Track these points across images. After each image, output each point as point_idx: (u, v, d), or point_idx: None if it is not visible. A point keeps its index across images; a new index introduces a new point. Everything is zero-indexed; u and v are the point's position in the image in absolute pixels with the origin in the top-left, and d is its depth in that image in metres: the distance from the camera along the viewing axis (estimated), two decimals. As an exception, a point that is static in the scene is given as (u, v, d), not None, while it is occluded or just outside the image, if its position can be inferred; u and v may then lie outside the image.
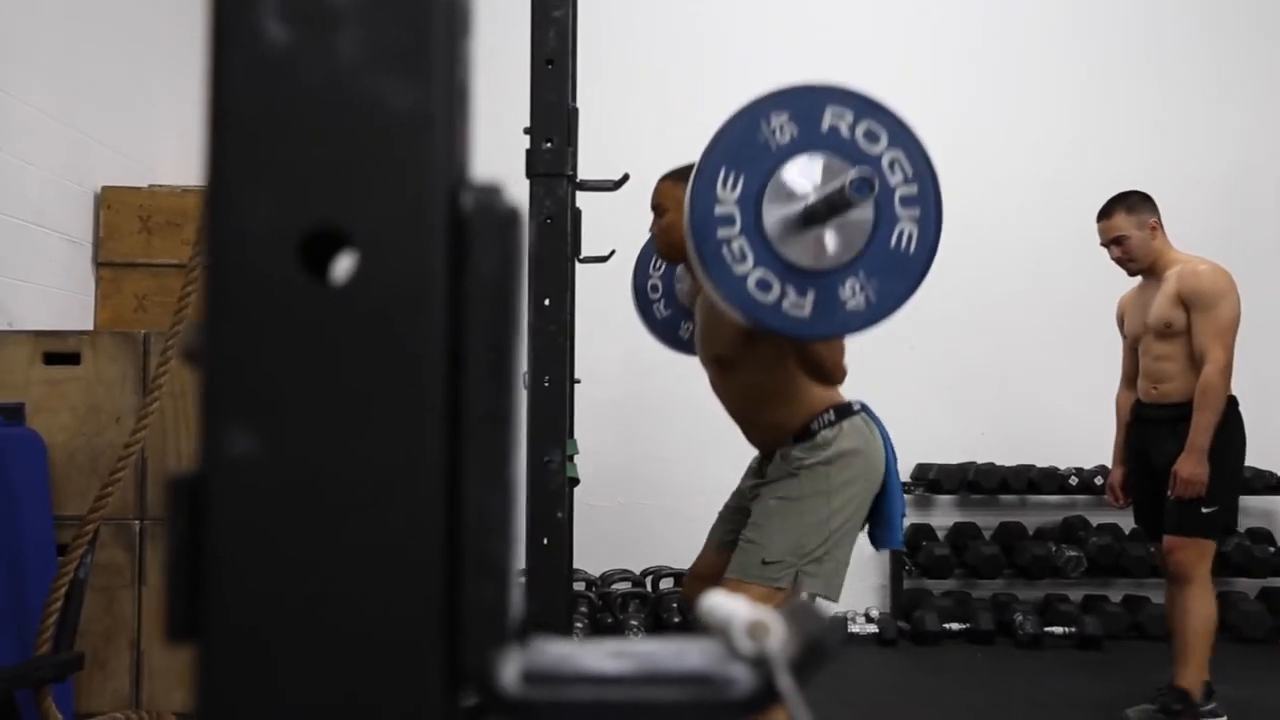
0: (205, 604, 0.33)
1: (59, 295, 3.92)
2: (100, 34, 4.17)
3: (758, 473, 2.66)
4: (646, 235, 4.84)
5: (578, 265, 3.01)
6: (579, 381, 3.10)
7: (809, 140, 1.83)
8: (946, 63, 5.76)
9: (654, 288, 3.43)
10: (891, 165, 1.84)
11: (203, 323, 0.33)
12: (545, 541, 2.08)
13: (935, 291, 5.76)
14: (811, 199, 1.79)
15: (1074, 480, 5.29)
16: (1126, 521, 5.37)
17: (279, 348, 0.33)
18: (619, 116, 5.16)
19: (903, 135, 1.85)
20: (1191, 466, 3.38)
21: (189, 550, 0.34)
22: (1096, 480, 5.27)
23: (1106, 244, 3.63)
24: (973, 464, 5.37)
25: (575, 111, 2.20)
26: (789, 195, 1.81)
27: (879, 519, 2.56)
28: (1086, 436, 5.34)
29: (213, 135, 0.33)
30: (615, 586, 5.05)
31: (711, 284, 1.82)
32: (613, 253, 3.58)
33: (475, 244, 0.34)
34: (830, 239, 1.82)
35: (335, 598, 0.33)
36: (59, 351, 3.43)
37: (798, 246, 1.81)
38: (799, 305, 1.82)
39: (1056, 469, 5.34)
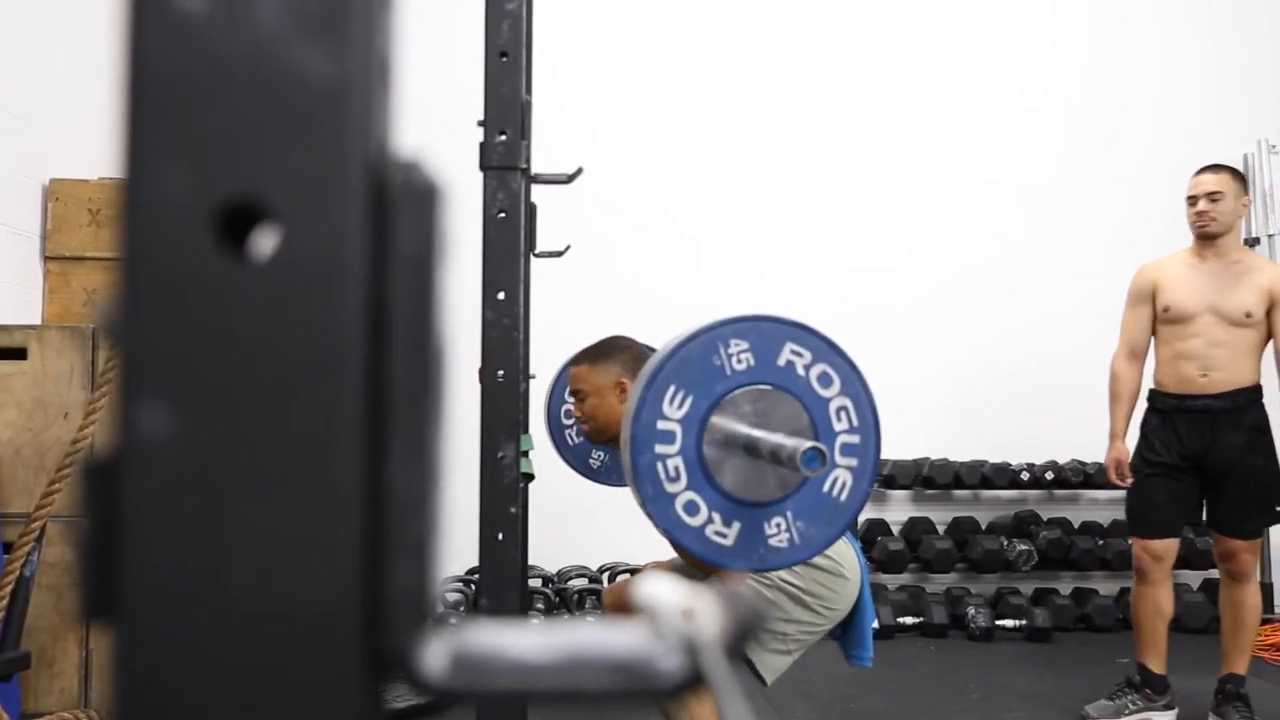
0: (120, 585, 0.33)
1: (5, 289, 3.85)
2: (49, 24, 4.10)
3: None
4: (603, 230, 4.83)
5: (533, 260, 3.00)
6: (534, 377, 3.09)
7: (764, 374, 1.84)
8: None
9: (568, 413, 3.47)
10: (839, 412, 1.86)
11: (117, 298, 0.32)
12: (499, 537, 2.06)
13: (890, 290, 5.83)
14: (757, 436, 1.79)
15: (1025, 475, 5.36)
16: (1076, 515, 5.46)
17: (194, 323, 0.32)
18: (574, 110, 5.15)
19: (855, 384, 1.87)
20: None
21: (103, 532, 0.33)
22: (1047, 475, 5.36)
23: (1199, 196, 3.57)
24: (927, 459, 5.42)
25: (529, 104, 2.19)
26: (735, 423, 1.82)
27: (851, 634, 2.55)
28: (1038, 433, 5.42)
29: (126, 106, 0.33)
30: (572, 583, 5.04)
31: (640, 498, 1.83)
32: (568, 248, 3.58)
33: (396, 219, 0.33)
34: (767, 474, 1.83)
35: (252, 578, 0.32)
36: (5, 346, 3.38)
37: (733, 475, 1.82)
38: (722, 534, 1.82)
39: (1009, 464, 5.41)
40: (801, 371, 1.84)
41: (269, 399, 0.32)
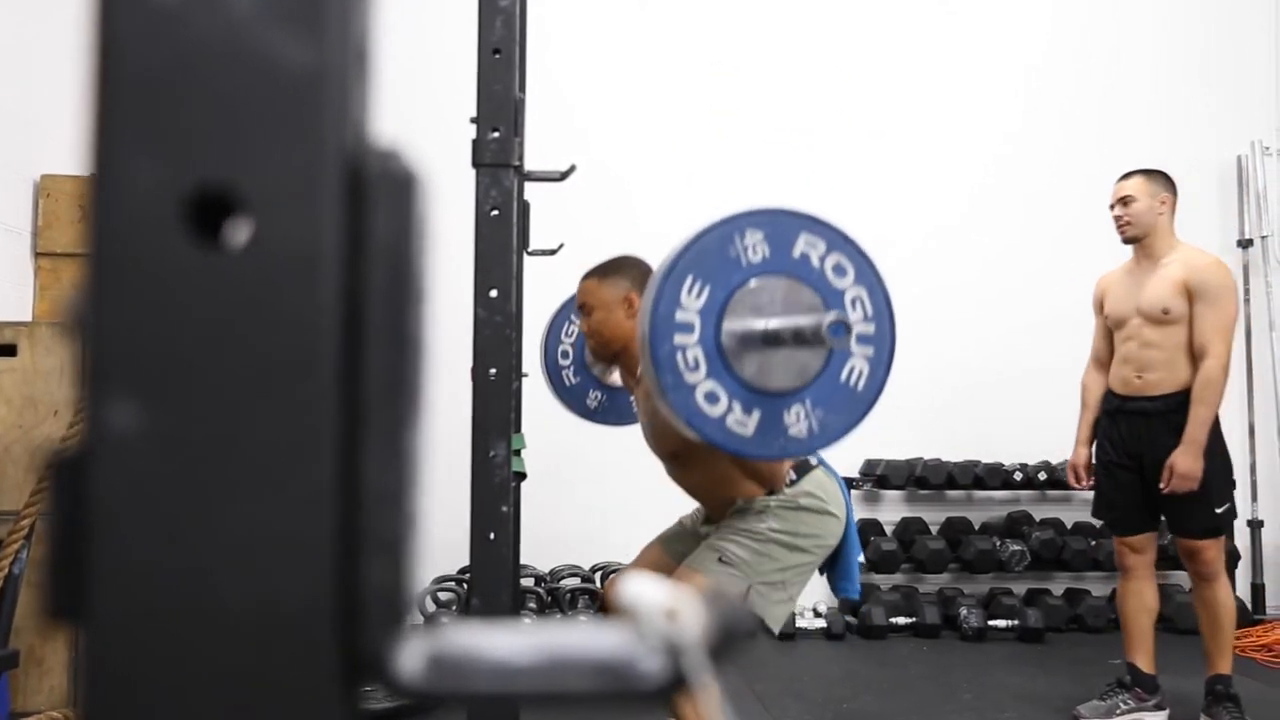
0: (87, 586, 0.32)
1: (-5, 285, 3.83)
2: (42, 21, 4.08)
3: (709, 519, 2.63)
4: (596, 229, 4.83)
5: (526, 259, 2.99)
6: (526, 376, 3.08)
7: (779, 264, 1.84)
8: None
9: (564, 354, 3.44)
10: (854, 302, 1.87)
11: (85, 290, 0.32)
12: (491, 536, 2.05)
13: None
14: (775, 323, 1.80)
15: (1018, 476, 5.37)
16: (1069, 516, 5.46)
17: (164, 316, 0.31)
18: (568, 107, 5.14)
19: (869, 274, 1.88)
20: (1190, 461, 3.35)
21: (71, 530, 0.32)
22: (1040, 476, 5.36)
23: (1114, 204, 3.65)
24: (920, 460, 5.42)
25: (522, 101, 2.18)
26: (752, 313, 1.82)
27: (838, 568, 2.55)
28: (1030, 433, 5.42)
29: (96, 93, 0.32)
30: (564, 582, 5.03)
31: (659, 389, 1.83)
32: (561, 246, 3.57)
33: (373, 209, 0.32)
34: (785, 362, 1.83)
35: (223, 577, 0.32)
36: (-7, 343, 3.36)
37: (752, 365, 1.83)
38: (743, 423, 1.83)
39: (1001, 465, 5.41)
40: (816, 262, 1.86)
41: (241, 393, 0.32)
